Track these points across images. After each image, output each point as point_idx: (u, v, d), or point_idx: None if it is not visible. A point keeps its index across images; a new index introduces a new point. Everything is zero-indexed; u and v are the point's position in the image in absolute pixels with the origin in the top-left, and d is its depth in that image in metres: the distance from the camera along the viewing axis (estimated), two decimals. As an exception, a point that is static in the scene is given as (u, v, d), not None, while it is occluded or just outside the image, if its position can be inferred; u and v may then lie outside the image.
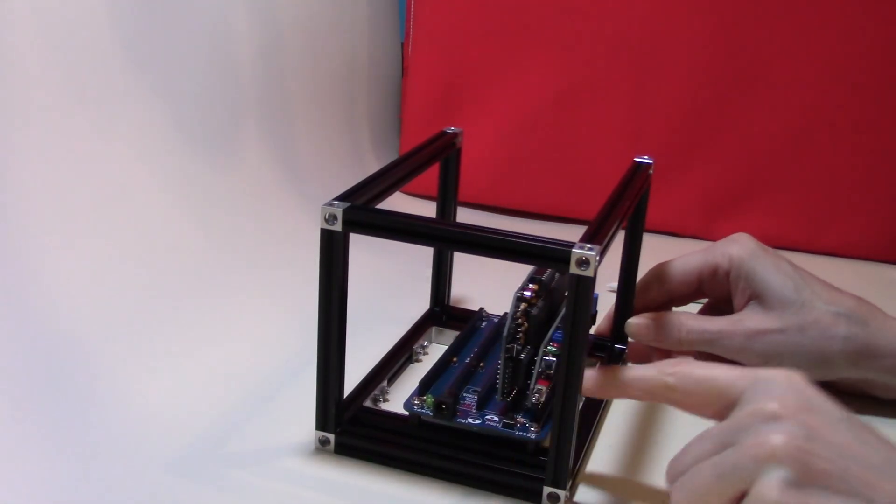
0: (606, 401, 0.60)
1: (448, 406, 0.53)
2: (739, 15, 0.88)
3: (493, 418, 0.54)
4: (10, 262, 0.59)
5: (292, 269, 0.74)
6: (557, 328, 0.56)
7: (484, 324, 0.66)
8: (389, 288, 0.76)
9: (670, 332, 0.59)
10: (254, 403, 0.59)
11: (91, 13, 0.67)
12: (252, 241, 0.79)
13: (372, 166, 1.00)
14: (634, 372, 0.48)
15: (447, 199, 0.65)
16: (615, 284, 0.63)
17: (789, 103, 0.89)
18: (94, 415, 0.55)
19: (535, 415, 0.54)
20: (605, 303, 0.65)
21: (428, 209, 0.72)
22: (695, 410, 0.47)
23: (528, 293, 0.54)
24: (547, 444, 0.50)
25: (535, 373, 0.54)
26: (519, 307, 0.54)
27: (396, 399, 0.59)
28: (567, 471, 0.49)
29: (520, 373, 0.54)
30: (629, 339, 0.64)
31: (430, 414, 0.54)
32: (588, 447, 0.55)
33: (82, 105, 0.67)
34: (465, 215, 0.91)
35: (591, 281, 0.45)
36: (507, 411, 0.54)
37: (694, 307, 0.66)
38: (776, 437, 0.39)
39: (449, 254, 0.68)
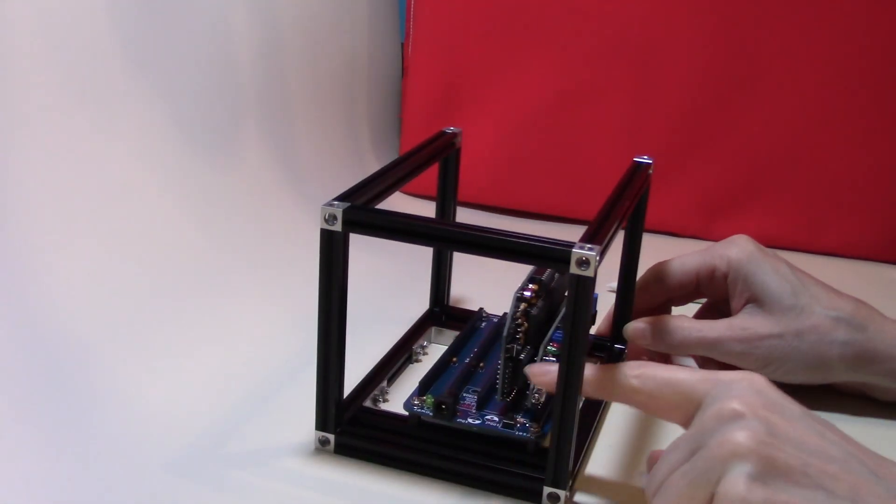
0: (606, 401, 0.60)
1: (448, 406, 0.53)
2: (739, 15, 0.88)
3: (492, 418, 0.54)
4: (10, 262, 0.59)
5: (292, 269, 0.74)
6: (557, 328, 0.56)
7: (484, 324, 0.66)
8: (389, 288, 0.76)
9: (668, 336, 0.59)
10: (254, 403, 0.59)
11: (91, 13, 0.67)
12: (252, 241, 0.79)
13: (372, 166, 1.00)
14: (598, 373, 0.48)
15: (447, 199, 0.65)
16: (615, 284, 0.63)
17: (789, 103, 0.89)
18: (94, 415, 0.55)
19: (535, 415, 0.54)
20: (605, 303, 0.65)
21: (428, 209, 0.72)
22: (661, 414, 0.47)
23: (528, 293, 0.54)
24: (547, 444, 0.50)
25: (534, 373, 0.54)
26: (519, 307, 0.54)
27: (396, 399, 0.59)
28: (567, 471, 0.49)
29: (520, 373, 0.54)
30: (629, 340, 0.64)
31: (430, 414, 0.54)
32: (588, 447, 0.55)
33: (82, 105, 0.67)
34: (464, 215, 0.91)
35: (591, 281, 0.45)
36: (507, 411, 0.54)
37: (694, 307, 0.66)
38: (739, 434, 0.40)
39: (449, 254, 0.68)
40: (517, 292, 0.54)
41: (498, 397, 0.55)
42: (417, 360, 0.65)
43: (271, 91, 0.88)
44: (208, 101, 0.79)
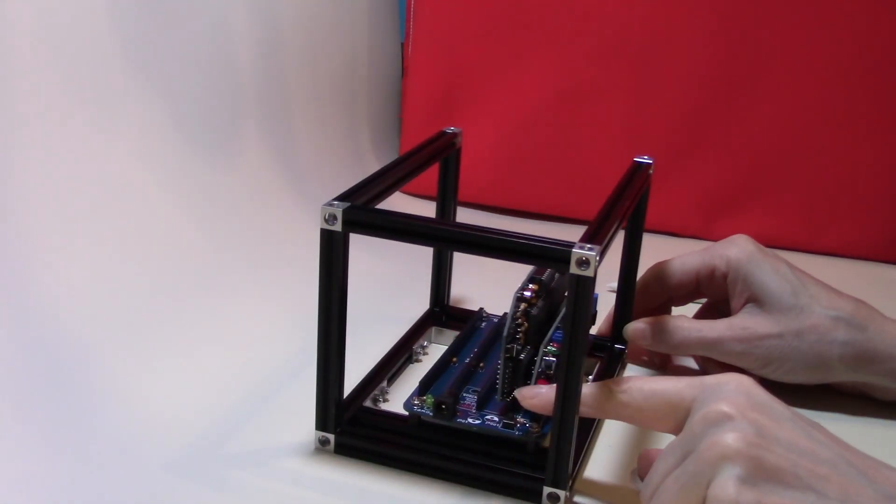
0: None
1: (448, 406, 0.53)
2: (739, 15, 0.88)
3: (492, 418, 0.54)
4: (10, 262, 0.59)
5: (292, 269, 0.74)
6: (557, 328, 0.56)
7: (484, 324, 0.66)
8: (389, 288, 0.76)
9: (668, 336, 0.59)
10: (254, 403, 0.59)
11: (91, 13, 0.67)
12: (252, 241, 0.79)
13: (372, 166, 1.00)
14: (585, 392, 0.48)
15: (447, 199, 0.65)
16: (615, 284, 0.63)
17: (789, 103, 0.89)
18: (94, 415, 0.55)
19: (535, 415, 0.54)
20: (605, 303, 0.65)
21: (428, 209, 0.72)
22: (652, 425, 0.47)
23: (528, 293, 0.54)
24: (547, 444, 0.50)
25: (535, 373, 0.54)
26: (519, 307, 0.54)
27: (396, 399, 0.59)
28: (567, 471, 0.49)
29: (520, 373, 0.54)
30: (629, 340, 0.64)
31: (430, 414, 0.54)
32: (588, 447, 0.55)
33: (82, 105, 0.67)
34: (464, 215, 0.91)
35: (591, 281, 0.45)
36: (507, 411, 0.54)
37: (694, 307, 0.66)
38: (728, 436, 0.40)
39: (449, 254, 0.68)
40: (517, 292, 0.54)
41: (498, 397, 0.55)
42: (417, 360, 0.65)
43: (271, 91, 0.88)
44: (208, 101, 0.79)
